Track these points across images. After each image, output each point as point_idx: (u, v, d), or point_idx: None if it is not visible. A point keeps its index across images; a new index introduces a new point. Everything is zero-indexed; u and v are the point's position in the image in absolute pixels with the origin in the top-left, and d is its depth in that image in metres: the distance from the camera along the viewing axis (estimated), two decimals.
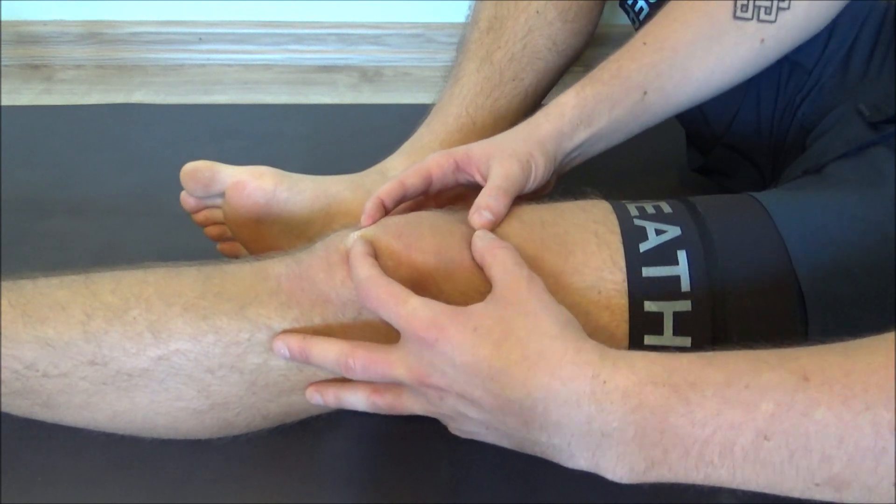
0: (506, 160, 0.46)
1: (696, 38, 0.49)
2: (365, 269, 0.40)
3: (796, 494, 0.32)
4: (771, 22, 0.48)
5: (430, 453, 0.49)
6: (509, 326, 0.37)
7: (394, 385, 0.41)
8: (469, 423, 0.40)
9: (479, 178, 0.47)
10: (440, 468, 0.48)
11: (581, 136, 0.50)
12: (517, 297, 0.38)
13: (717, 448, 0.32)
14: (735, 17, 0.48)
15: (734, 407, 0.32)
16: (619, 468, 0.35)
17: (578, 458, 0.36)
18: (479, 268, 0.42)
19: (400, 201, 0.47)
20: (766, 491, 0.33)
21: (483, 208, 0.44)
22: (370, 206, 0.45)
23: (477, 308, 0.38)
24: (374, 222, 0.45)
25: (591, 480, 0.47)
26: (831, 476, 0.31)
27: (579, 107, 0.49)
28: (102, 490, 0.47)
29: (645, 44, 0.50)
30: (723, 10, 0.49)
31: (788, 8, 0.48)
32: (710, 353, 0.35)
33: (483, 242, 0.42)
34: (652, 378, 0.34)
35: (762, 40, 0.49)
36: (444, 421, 0.42)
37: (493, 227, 0.44)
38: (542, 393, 0.35)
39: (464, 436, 0.42)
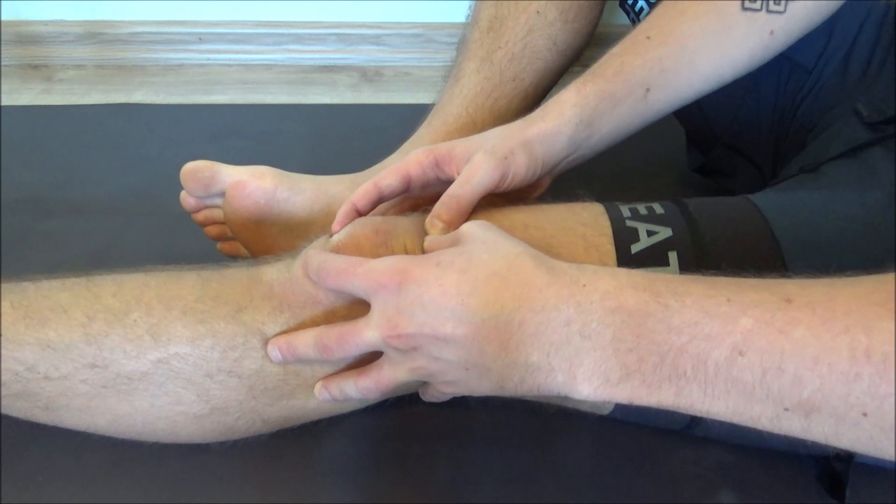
0: (479, 158, 0.45)
1: (704, 31, 0.47)
2: (319, 256, 0.41)
3: (764, 422, 0.32)
4: (780, 13, 0.47)
5: (430, 453, 0.49)
6: (471, 254, 0.37)
7: (375, 364, 0.41)
8: (448, 369, 0.38)
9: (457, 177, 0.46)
10: (440, 468, 0.48)
11: (580, 135, 0.48)
12: (473, 235, 0.39)
13: (691, 359, 0.32)
14: (743, 8, 0.47)
15: (713, 318, 0.32)
16: (594, 377, 0.34)
17: (556, 373, 0.35)
18: None
19: (376, 203, 0.47)
20: (734, 419, 0.32)
21: (435, 217, 0.43)
22: (341, 213, 0.45)
23: (437, 251, 0.39)
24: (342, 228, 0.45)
25: (592, 481, 0.47)
26: (801, 400, 0.30)
27: (580, 105, 0.48)
28: (102, 490, 0.47)
29: (649, 38, 0.48)
30: (731, 1, 0.47)
31: None
32: (695, 275, 0.35)
33: (431, 243, 0.42)
34: (633, 283, 0.34)
35: (771, 32, 0.47)
36: (428, 380, 0.41)
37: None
38: (516, 303, 0.35)
39: (448, 393, 0.42)
